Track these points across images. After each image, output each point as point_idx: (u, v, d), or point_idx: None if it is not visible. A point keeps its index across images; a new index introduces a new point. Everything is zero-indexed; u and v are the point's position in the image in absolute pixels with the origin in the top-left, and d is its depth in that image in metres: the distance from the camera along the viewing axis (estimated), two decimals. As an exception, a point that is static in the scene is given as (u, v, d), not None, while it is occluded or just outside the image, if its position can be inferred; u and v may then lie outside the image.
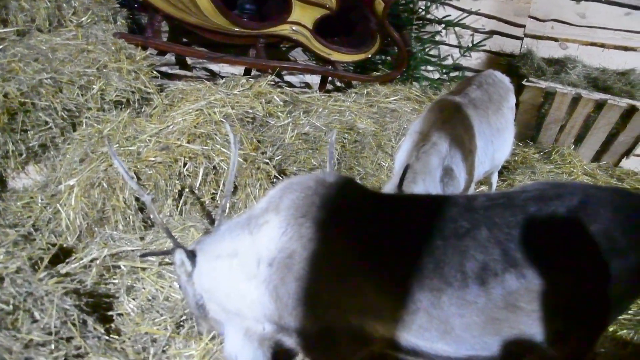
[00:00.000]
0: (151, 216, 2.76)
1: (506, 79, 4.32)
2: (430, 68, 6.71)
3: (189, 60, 5.62)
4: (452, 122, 3.32)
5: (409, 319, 2.13)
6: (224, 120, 3.01)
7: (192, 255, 2.35)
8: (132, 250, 3.29)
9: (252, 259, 2.19)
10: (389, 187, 3.05)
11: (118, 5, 4.93)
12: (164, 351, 2.68)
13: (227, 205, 2.88)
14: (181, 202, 3.75)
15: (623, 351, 3.50)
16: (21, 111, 3.76)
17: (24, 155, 3.92)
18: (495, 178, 4.49)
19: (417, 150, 3.16)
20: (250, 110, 4.22)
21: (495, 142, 3.72)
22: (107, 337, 2.61)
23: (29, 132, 3.88)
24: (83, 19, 4.54)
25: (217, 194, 3.79)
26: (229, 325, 2.43)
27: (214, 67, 5.63)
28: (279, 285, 2.11)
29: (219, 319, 2.45)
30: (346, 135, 4.54)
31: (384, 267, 2.13)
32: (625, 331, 3.64)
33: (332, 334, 2.21)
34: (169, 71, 5.19)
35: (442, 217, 2.19)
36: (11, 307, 2.42)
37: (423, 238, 2.15)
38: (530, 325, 2.11)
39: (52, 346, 2.33)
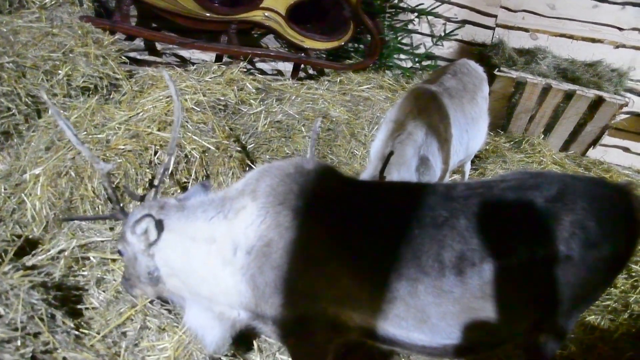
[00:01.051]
0: (107, 191, 2.54)
1: (480, 69, 4.34)
2: (402, 57, 6.70)
3: (158, 46, 5.48)
4: (428, 111, 3.31)
5: (385, 308, 2.13)
6: (163, 72, 2.86)
7: (159, 226, 2.25)
8: (102, 241, 3.19)
9: (228, 245, 2.15)
10: (364, 176, 3.03)
11: (85, -12, 4.76)
12: (136, 345, 2.61)
13: (171, 163, 2.73)
14: (152, 190, 3.65)
15: (591, 336, 3.59)
16: (-19, 97, 3.61)
17: (-15, 144, 3.76)
18: (468, 167, 4.52)
19: (393, 140, 3.14)
20: (222, 98, 4.14)
21: (470, 131, 3.73)
22: (76, 332, 2.53)
23: (-10, 118, 3.73)
24: (47, 1, 4.37)
25: (188, 182, 3.71)
26: (193, 303, 2.39)
27: (185, 53, 5.50)
28: (257, 274, 2.08)
29: (177, 294, 2.42)
30: (319, 124, 4.49)
31: (361, 256, 2.11)
32: (593, 317, 3.73)
33: (308, 323, 2.19)
34: (138, 57, 5.05)
35: (420, 206, 2.18)
36: (-26, 302, 2.32)
37: (401, 227, 2.14)
38: (506, 315, 2.12)
39: (19, 342, 2.24)
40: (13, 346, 2.19)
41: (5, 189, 3.64)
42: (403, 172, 3.07)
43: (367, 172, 3.04)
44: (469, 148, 3.83)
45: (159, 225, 2.24)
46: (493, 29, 7.03)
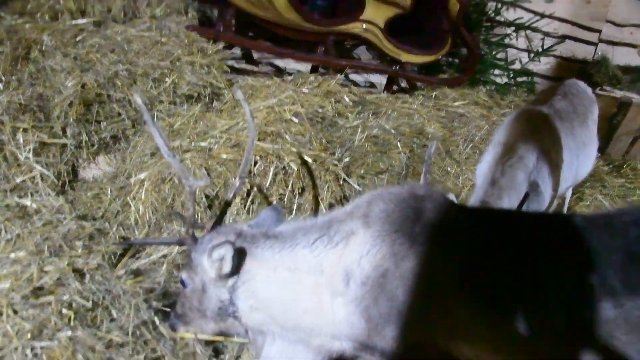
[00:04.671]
0: (188, 211, 2.24)
1: (589, 90, 4.13)
2: (497, 72, 6.49)
3: (255, 55, 5.58)
4: (540, 134, 3.17)
5: (500, 343, 2.03)
6: (238, 93, 2.72)
7: (240, 254, 2.11)
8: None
9: (340, 276, 2.06)
10: (473, 201, 2.93)
11: (190, -3, 4.93)
12: (237, 358, 2.63)
13: (242, 187, 2.55)
14: (249, 200, 3.70)
15: None
16: (97, 102, 3.78)
17: (95, 146, 3.94)
18: (569, 193, 4.30)
19: (502, 164, 3.01)
20: (320, 110, 4.13)
21: (580, 156, 3.54)
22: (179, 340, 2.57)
23: (102, 123, 3.90)
24: (157, 11, 4.55)
25: (285, 194, 3.73)
26: (279, 337, 2.26)
27: (280, 62, 5.57)
28: (371, 305, 2.01)
29: (258, 329, 2.26)
30: (415, 139, 4.41)
31: (480, 289, 2.01)
32: None
33: (417, 354, 2.11)
34: (236, 65, 5.15)
35: (537, 238, 2.06)
36: (91, 303, 2.40)
37: (519, 260, 2.03)
38: (627, 357, 1.97)
39: (131, 347, 2.30)
40: (127, 350, 2.25)
41: (111, 192, 3.80)
42: (513, 198, 2.94)
43: (476, 197, 2.93)
44: (577, 174, 3.64)
45: (241, 255, 2.12)
46: (596, 44, 6.69)
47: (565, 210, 4.45)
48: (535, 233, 2.09)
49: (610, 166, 5.99)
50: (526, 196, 2.67)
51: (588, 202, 5.20)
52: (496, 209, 2.69)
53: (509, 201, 2.90)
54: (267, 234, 2.21)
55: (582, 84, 4.10)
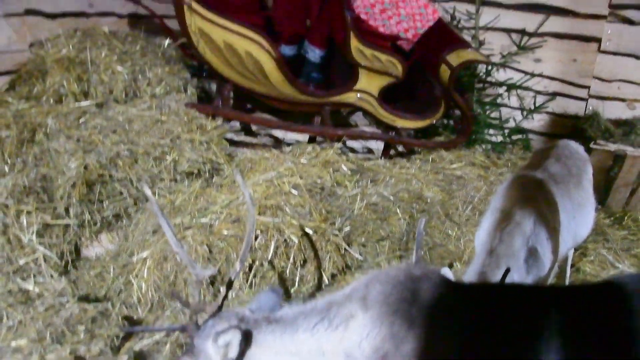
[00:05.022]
0: (194, 298, 2.31)
1: (581, 149, 4.19)
2: (492, 131, 6.61)
3: (253, 127, 5.71)
4: (535, 199, 3.20)
5: None
6: (237, 176, 2.76)
7: (246, 339, 2.09)
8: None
9: (340, 358, 2.07)
10: (470, 272, 2.93)
11: (189, 75, 5.09)
12: None
13: (241, 269, 2.52)
14: (251, 275, 3.71)
15: None
16: (99, 182, 3.86)
17: (98, 225, 3.99)
18: (571, 253, 4.29)
19: (500, 231, 3.04)
20: (319, 180, 4.20)
21: (578, 217, 3.56)
22: None
23: (104, 202, 3.97)
24: (157, 90, 4.70)
25: (287, 267, 3.74)
26: None
27: (279, 133, 5.70)
28: None
29: None
30: (414, 204, 4.46)
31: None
32: None
33: None
34: (235, 138, 5.26)
35: (539, 321, 2.05)
36: (92, 393, 2.38)
37: (517, 338, 2.02)
38: None
39: None
40: None
41: (114, 269, 3.82)
42: (512, 264, 2.94)
43: (474, 267, 2.94)
44: (576, 235, 3.64)
45: (247, 340, 2.11)
46: (586, 100, 6.81)
47: (568, 269, 4.42)
48: (531, 309, 2.09)
49: (612, 218, 5.97)
50: (507, 271, 2.68)
51: (592, 257, 5.15)
52: (492, 284, 2.69)
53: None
54: (269, 319, 2.21)
55: (574, 144, 4.17)
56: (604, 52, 6.53)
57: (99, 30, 4.97)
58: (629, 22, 6.29)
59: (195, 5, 4.37)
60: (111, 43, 4.77)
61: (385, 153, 5.49)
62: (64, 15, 5.17)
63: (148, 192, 2.23)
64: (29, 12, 4.84)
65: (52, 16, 5.06)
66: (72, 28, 5.03)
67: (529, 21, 6.61)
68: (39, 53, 4.67)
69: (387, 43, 5.04)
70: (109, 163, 3.86)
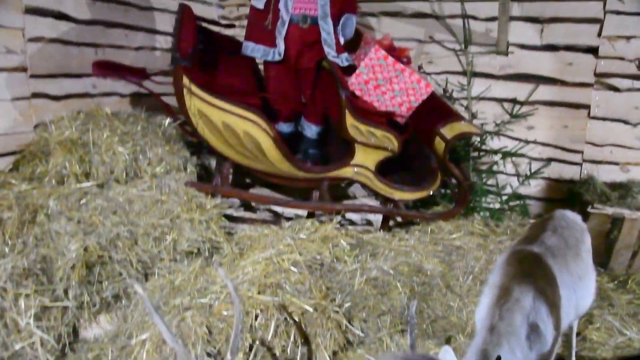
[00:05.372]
0: None
1: (578, 218, 4.22)
2: (489, 199, 6.67)
3: (252, 202, 5.78)
4: (534, 275, 3.20)
5: None
6: (220, 271, 2.95)
7: None
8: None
9: None
10: (472, 349, 2.90)
11: (188, 154, 5.20)
12: None
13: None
14: (251, 355, 3.65)
15: None
16: (98, 263, 3.87)
17: (97, 306, 3.97)
18: (575, 324, 4.24)
19: (500, 308, 3.02)
20: (318, 256, 4.21)
21: (578, 290, 3.55)
22: None
23: (103, 282, 3.97)
24: (157, 169, 4.78)
25: (287, 345, 3.69)
26: None
27: (278, 208, 5.75)
28: None
29: None
30: (415, 277, 4.44)
31: None
32: None
33: None
34: (234, 214, 5.31)
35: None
36: None
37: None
38: None
39: None
40: None
41: (112, 352, 3.77)
42: (513, 342, 2.91)
43: (475, 345, 2.90)
44: (579, 307, 3.61)
45: None
46: (580, 164, 6.91)
47: (574, 339, 4.35)
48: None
49: (615, 282, 5.92)
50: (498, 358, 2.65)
51: (598, 325, 5.08)
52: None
53: (508, 346, 2.87)
54: None
55: (571, 214, 4.19)
56: (594, 117, 6.70)
57: (101, 112, 5.11)
58: (615, 89, 6.49)
59: (194, 89, 4.53)
60: (113, 124, 4.90)
61: (384, 225, 5.52)
62: (68, 96, 5.36)
63: (139, 289, 2.29)
64: (35, 95, 5.02)
65: (57, 98, 5.24)
66: (76, 109, 5.18)
67: (520, 90, 6.82)
68: (43, 135, 4.79)
69: (383, 119, 5.17)
70: (109, 244, 3.88)
